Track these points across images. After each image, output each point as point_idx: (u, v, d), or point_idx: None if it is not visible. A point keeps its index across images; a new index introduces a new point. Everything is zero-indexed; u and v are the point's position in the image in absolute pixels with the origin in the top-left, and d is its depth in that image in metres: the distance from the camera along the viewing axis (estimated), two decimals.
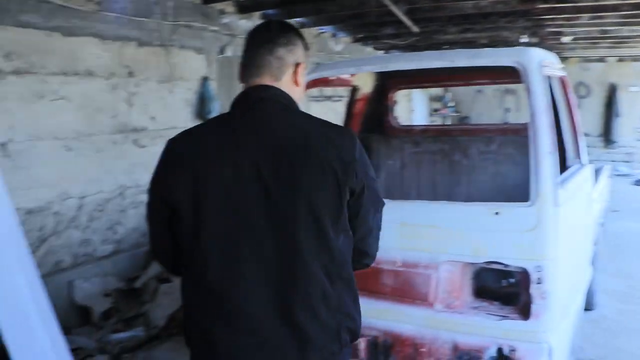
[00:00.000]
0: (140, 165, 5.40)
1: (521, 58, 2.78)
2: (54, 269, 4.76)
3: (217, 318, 1.60)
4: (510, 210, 2.42)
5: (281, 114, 1.71)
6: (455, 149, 4.27)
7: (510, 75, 2.87)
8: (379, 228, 1.81)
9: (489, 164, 4.13)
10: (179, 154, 1.71)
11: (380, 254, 2.54)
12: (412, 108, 13.77)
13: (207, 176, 1.63)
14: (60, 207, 4.80)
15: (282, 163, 1.60)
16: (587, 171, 3.37)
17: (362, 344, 2.74)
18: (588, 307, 4.84)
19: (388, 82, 4.48)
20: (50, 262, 4.74)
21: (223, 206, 1.61)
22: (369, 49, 10.69)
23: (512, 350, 2.43)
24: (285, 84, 1.76)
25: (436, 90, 14.73)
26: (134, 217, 5.54)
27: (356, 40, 10.02)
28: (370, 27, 8.79)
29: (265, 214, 1.59)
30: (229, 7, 6.96)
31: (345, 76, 3.91)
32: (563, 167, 3.42)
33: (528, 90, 2.66)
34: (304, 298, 1.58)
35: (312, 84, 3.52)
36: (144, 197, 1.97)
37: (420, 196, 4.27)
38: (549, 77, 3.36)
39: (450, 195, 4.16)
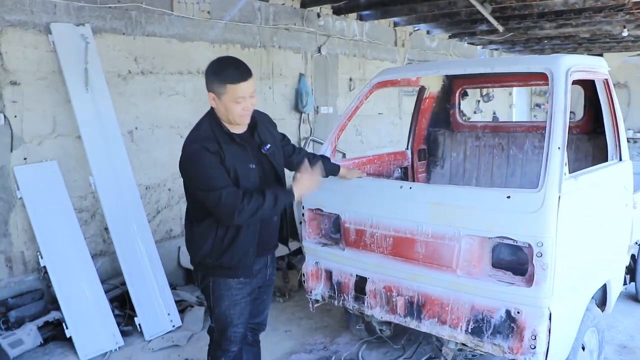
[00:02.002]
0: None
1: (549, 65, 3.18)
2: (165, 236, 5.73)
3: None
4: (520, 195, 2.87)
5: None
6: (512, 144, 4.64)
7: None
8: (208, 203, 2.70)
9: (541, 157, 4.44)
10: None
11: (416, 227, 3.14)
12: (512, 103, 13.72)
13: None
14: (173, 185, 5.74)
15: None
16: (624, 167, 3.66)
17: (400, 301, 3.32)
18: None
19: (453, 83, 4.92)
20: (163, 230, 5.72)
21: None
22: (465, 45, 10.90)
23: (518, 312, 2.89)
24: None
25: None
26: None
27: (451, 37, 10.30)
28: (463, 25, 9.05)
29: None
30: (326, 10, 7.63)
31: (412, 77, 4.42)
32: (605, 161, 3.75)
33: (551, 93, 3.07)
34: None
35: (379, 85, 4.10)
36: None
37: (478, 185, 4.71)
38: (592, 81, 3.71)
39: (505, 185, 4.55)
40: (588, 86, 4.04)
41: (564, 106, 3.00)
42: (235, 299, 2.90)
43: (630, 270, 4.93)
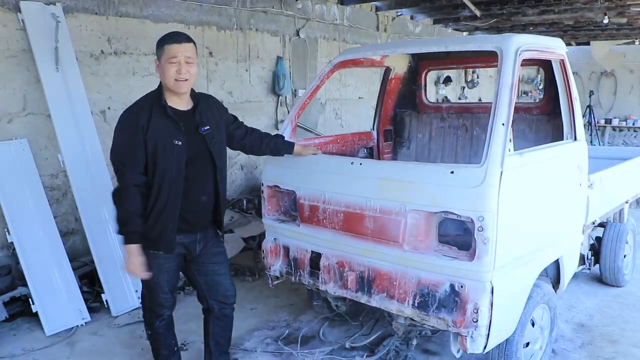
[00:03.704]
0: None
1: (499, 44, 3.22)
2: None
3: None
4: (463, 170, 2.92)
5: None
6: (476, 125, 4.68)
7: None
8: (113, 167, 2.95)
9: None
10: None
11: (365, 202, 3.19)
12: None
13: None
14: None
15: None
16: (578, 146, 3.70)
17: (351, 276, 3.37)
18: (614, 283, 5.11)
19: (419, 64, 4.95)
20: None
21: None
22: (449, 31, 10.91)
23: (461, 286, 2.94)
24: None
25: (528, 72, 14.56)
26: None
27: (435, 22, 10.30)
28: (445, 10, 9.06)
29: None
30: None
31: (376, 58, 4.45)
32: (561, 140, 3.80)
33: (499, 70, 3.11)
34: None
35: (340, 65, 4.12)
36: None
37: None
38: (550, 61, 3.75)
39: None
40: (548, 68, 4.07)
41: (511, 84, 3.04)
42: (163, 268, 3.04)
43: (595, 253, 5.01)
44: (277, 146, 3.50)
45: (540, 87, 14.38)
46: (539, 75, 14.45)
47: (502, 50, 3.17)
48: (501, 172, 2.83)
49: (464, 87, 11.65)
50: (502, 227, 2.84)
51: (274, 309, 4.75)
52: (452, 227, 3.20)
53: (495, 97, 3.01)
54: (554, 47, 3.67)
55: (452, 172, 2.93)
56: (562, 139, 3.80)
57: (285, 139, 3.68)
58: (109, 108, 5.45)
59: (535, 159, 3.17)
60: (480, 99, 12.25)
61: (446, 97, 10.85)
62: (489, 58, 4.43)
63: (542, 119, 4.37)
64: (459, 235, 3.21)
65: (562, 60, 3.74)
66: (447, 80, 10.70)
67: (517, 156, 2.99)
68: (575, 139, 3.76)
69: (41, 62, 4.80)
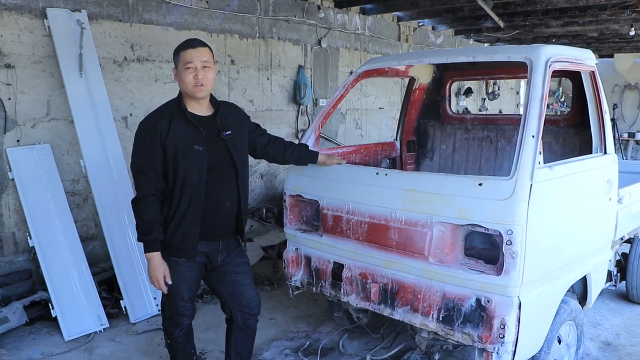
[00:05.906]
0: None
1: (529, 54, 3.15)
2: None
3: None
4: (492, 182, 2.85)
5: None
6: (500, 136, 4.61)
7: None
8: (133, 176, 2.92)
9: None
10: None
11: (390, 213, 3.14)
12: (519, 102, 13.63)
13: None
14: None
15: None
16: (608, 160, 3.62)
17: (374, 288, 3.31)
18: None
19: (444, 74, 4.90)
20: None
21: None
22: (471, 42, 10.84)
23: (488, 301, 2.87)
24: None
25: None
26: None
27: (457, 33, 10.24)
28: (467, 21, 9.01)
29: None
30: (327, 2, 7.63)
31: (400, 68, 4.42)
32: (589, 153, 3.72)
33: (529, 82, 3.05)
34: None
35: (364, 75, 4.09)
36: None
37: None
38: (580, 72, 3.68)
39: None
40: (576, 79, 4.00)
41: (541, 95, 2.98)
42: (184, 276, 2.99)
43: (621, 269, 4.89)
44: (301, 155, 3.46)
45: (562, 99, 14.23)
46: (560, 88, 14.30)
47: (532, 61, 3.11)
48: (531, 185, 2.77)
49: (484, 99, 11.56)
50: (531, 241, 2.78)
51: (293, 319, 4.70)
52: (478, 240, 3.15)
53: (525, 109, 2.95)
54: (584, 59, 3.60)
55: (480, 184, 2.87)
56: (590, 152, 3.72)
57: (309, 148, 3.65)
58: (131, 114, 5.47)
59: (565, 172, 3.09)
60: (500, 111, 12.14)
61: (466, 108, 10.76)
62: (515, 69, 4.39)
63: (570, 132, 4.29)
64: (485, 249, 3.15)
65: (593, 72, 3.67)
66: (468, 91, 10.63)
67: (547, 169, 2.92)
68: (605, 152, 3.67)
69: (65, 68, 4.83)
